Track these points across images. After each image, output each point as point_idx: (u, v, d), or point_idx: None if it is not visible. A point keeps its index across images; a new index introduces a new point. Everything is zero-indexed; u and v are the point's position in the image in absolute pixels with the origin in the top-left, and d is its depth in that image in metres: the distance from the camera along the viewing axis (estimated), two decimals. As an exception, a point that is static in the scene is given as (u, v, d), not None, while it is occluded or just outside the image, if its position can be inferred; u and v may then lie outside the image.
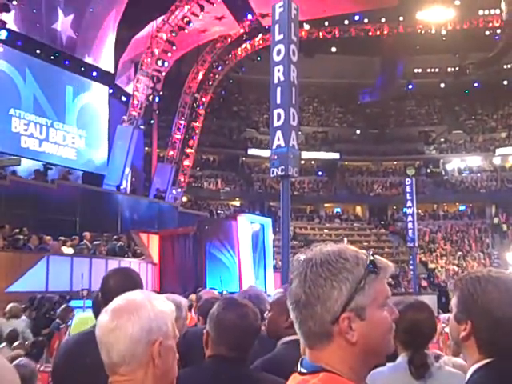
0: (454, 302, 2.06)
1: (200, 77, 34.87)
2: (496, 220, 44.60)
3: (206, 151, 45.11)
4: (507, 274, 2.08)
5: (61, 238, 17.90)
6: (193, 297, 9.63)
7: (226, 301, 2.91)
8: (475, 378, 1.95)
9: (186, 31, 29.31)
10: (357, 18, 40.72)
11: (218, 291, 8.55)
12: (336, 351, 1.43)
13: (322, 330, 1.43)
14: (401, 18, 41.41)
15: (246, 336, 2.74)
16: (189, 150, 34.79)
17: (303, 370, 1.46)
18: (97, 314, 3.86)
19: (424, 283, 35.84)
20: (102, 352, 1.76)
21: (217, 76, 36.65)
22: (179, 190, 33.87)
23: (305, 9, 26.88)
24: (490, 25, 41.41)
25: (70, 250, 17.57)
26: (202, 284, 17.51)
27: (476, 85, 49.26)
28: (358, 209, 49.37)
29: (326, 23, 40.63)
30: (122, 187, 26.05)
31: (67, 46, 26.77)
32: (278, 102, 8.78)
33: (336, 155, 49.67)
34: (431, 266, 40.16)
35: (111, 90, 28.70)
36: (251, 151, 47.81)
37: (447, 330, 4.74)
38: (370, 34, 41.52)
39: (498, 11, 39.77)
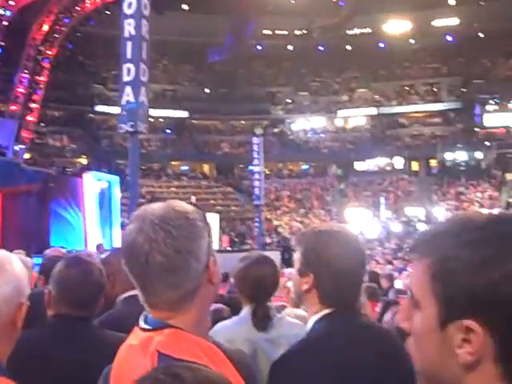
0: (297, 256, 2.16)
1: (45, 29, 33.26)
2: (340, 171, 46.77)
3: (51, 107, 43.25)
4: (347, 229, 2.21)
5: None
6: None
7: (70, 258, 2.77)
8: (317, 328, 2.07)
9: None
10: (207, -25, 40.44)
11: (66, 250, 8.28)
12: (198, 300, 1.46)
13: (196, 285, 1.45)
14: (252, -22, 41.64)
15: (90, 293, 2.64)
16: (33, 105, 33.33)
17: (146, 327, 1.45)
18: None
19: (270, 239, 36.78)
20: None
21: (63, 29, 35.11)
22: (22, 146, 32.43)
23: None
24: (337, -9, 42.76)
25: None
26: (46, 244, 17.01)
27: (321, 48, 50.61)
28: (206, 167, 49.66)
29: (177, -21, 40.06)
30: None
31: None
32: (129, 56, 8.55)
33: (185, 113, 49.47)
34: (276, 223, 41.32)
35: None
36: (98, 108, 46.46)
37: (289, 284, 4.94)
38: (221, -8, 41.42)
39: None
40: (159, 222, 1.42)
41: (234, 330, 3.03)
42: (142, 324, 1.47)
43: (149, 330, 1.44)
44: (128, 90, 8.39)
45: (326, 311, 2.06)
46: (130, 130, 8.29)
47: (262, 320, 3.01)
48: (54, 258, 4.13)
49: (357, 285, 2.12)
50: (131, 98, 8.27)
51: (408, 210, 40.71)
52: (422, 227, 38.45)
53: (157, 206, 1.48)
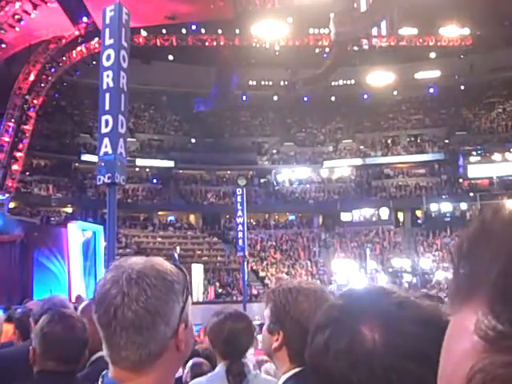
0: (266, 313, 2.11)
1: (31, 78, 33.56)
2: (323, 236, 46.63)
3: (36, 156, 43.30)
4: (317, 285, 2.18)
5: None
6: None
7: (53, 314, 2.76)
8: (285, 387, 2.01)
9: (17, 29, 28.12)
10: (194, 27, 41.10)
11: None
12: (160, 366, 1.39)
13: (161, 349, 1.38)
14: (237, 31, 42.33)
15: (74, 348, 2.66)
16: (18, 154, 33.34)
17: None
18: None
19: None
20: None
21: (50, 78, 35.44)
22: (7, 195, 32.33)
23: (142, 14, 26.75)
24: (320, 43, 43.53)
25: None
26: (29, 294, 16.82)
27: (306, 99, 51.27)
28: (192, 217, 49.52)
29: (164, 31, 40.67)
30: None
31: None
32: (107, 108, 8.59)
33: (171, 163, 49.56)
34: (262, 274, 41.08)
35: None
36: (84, 157, 46.40)
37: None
38: (207, 44, 42.08)
39: (327, 31, 41.74)
40: (136, 277, 1.37)
41: (209, 387, 2.98)
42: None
43: None
44: (106, 141, 8.43)
45: (296, 370, 2.01)
46: (108, 181, 8.31)
47: (237, 377, 2.97)
48: (27, 313, 4.06)
49: (327, 342, 2.06)
50: (109, 150, 8.31)
51: (394, 260, 40.70)
52: (408, 278, 38.53)
53: (137, 260, 1.43)
